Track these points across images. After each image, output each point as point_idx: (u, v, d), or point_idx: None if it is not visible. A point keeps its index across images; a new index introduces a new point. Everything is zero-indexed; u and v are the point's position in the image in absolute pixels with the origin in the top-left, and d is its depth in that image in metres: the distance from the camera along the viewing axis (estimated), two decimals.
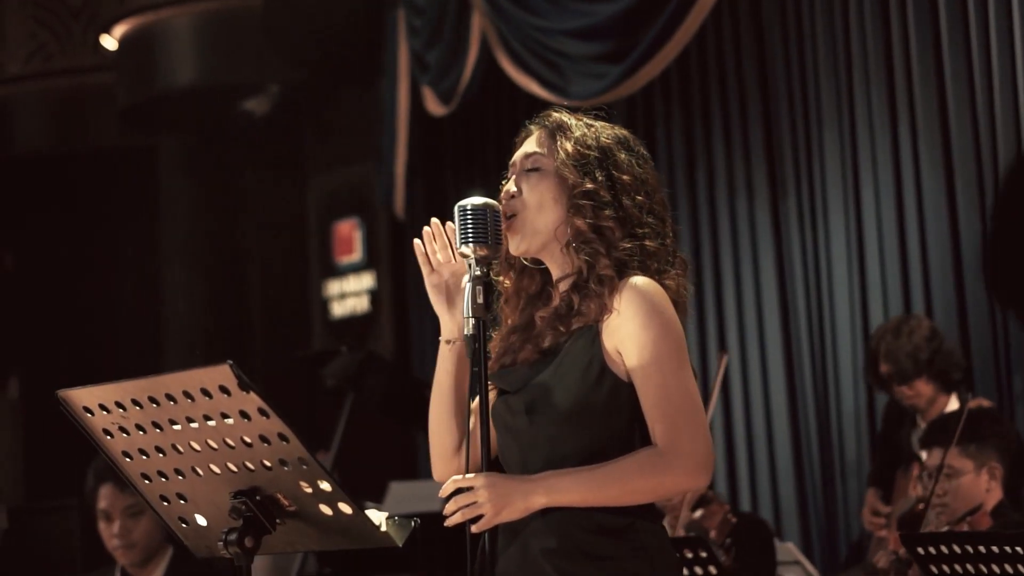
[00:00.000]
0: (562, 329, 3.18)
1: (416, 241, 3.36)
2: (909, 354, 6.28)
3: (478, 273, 3.18)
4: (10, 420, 12.29)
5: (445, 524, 3.10)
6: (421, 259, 3.36)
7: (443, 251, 3.31)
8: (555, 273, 3.29)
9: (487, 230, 3.18)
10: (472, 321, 3.16)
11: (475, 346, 3.15)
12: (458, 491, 3.09)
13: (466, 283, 3.19)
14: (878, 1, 7.18)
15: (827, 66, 7.46)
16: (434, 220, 3.32)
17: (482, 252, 3.18)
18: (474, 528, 3.08)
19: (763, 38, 7.84)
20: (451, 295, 3.33)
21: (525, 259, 3.31)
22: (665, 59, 7.66)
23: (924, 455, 5.15)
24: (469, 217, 3.19)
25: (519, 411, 3.18)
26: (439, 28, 8.77)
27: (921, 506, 5.11)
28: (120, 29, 10.78)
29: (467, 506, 3.07)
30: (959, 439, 4.90)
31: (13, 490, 11.50)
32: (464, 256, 3.20)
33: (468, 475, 3.11)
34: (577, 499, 3.09)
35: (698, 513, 5.74)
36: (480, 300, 3.17)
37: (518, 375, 3.21)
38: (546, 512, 3.11)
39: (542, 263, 3.32)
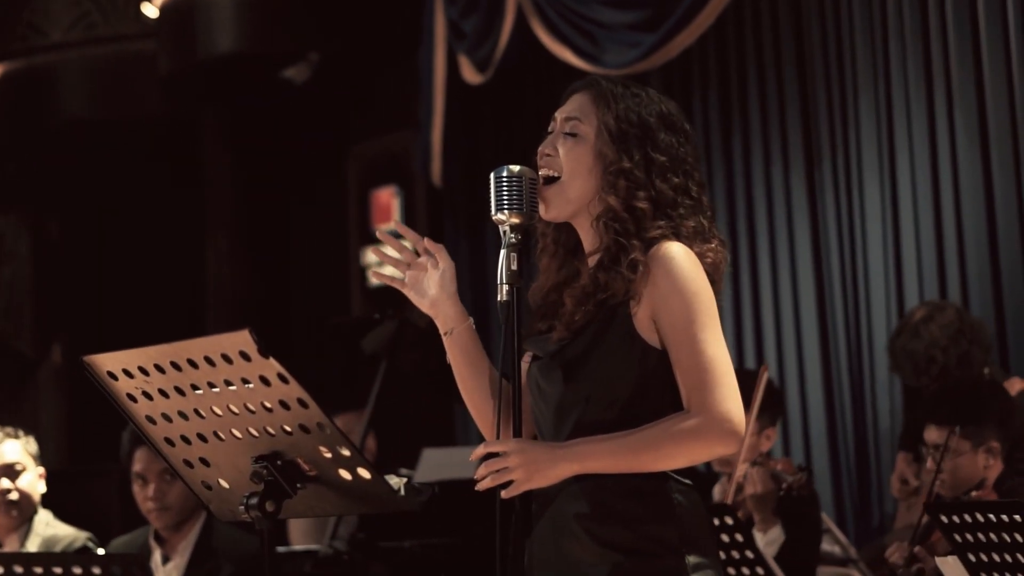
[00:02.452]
0: (591, 307, 3.20)
1: (383, 251, 3.39)
2: (920, 367, 6.17)
3: (513, 240, 3.21)
4: (54, 386, 12.41)
5: (475, 488, 3.13)
6: (392, 266, 3.38)
7: (405, 254, 3.36)
8: (585, 244, 3.32)
9: (522, 197, 3.21)
10: (507, 287, 3.19)
11: (509, 312, 3.18)
12: (489, 456, 3.13)
13: (502, 249, 3.22)
14: None
15: (863, 33, 7.44)
16: (381, 233, 3.38)
17: (516, 219, 3.21)
18: (503, 493, 3.11)
19: (799, 5, 7.82)
20: (423, 291, 3.35)
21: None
22: (700, 27, 7.65)
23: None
24: (504, 184, 3.22)
25: (553, 377, 3.22)
26: None
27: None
28: None
29: (497, 471, 3.10)
30: (960, 418, 4.87)
31: (57, 454, 11.61)
32: (500, 222, 3.23)
33: (500, 440, 3.15)
34: (608, 466, 3.12)
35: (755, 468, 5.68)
36: (515, 267, 3.20)
37: (551, 343, 3.25)
38: (580, 477, 3.14)
39: None
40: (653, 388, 3.16)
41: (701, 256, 3.19)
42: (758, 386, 5.44)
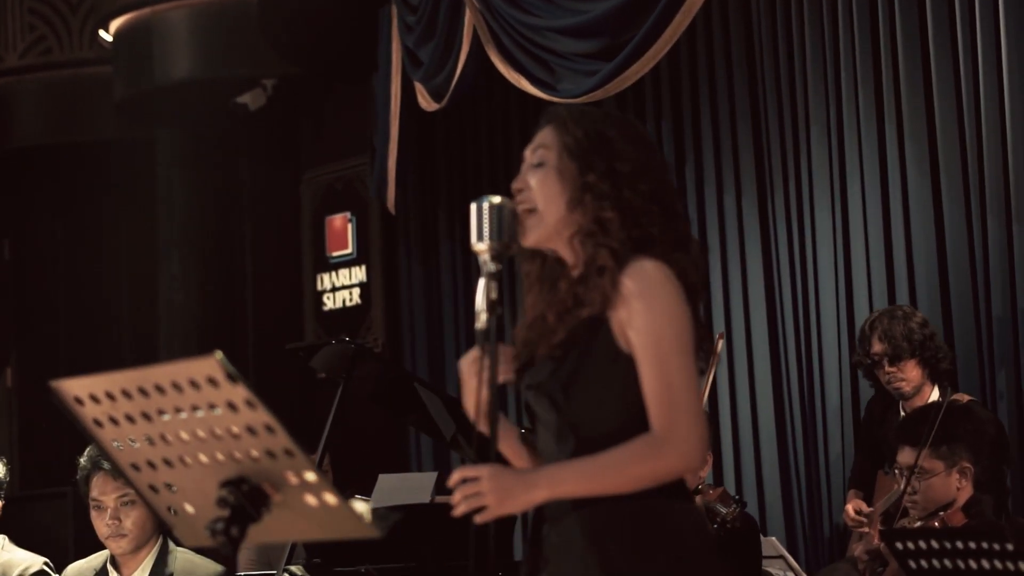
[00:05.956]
0: (572, 323, 3.23)
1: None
2: (904, 335, 6.34)
3: (492, 270, 3.23)
4: (5, 408, 12.34)
5: (451, 514, 3.16)
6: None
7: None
8: (568, 263, 3.34)
9: (501, 227, 3.24)
10: (485, 315, 3.22)
11: (486, 340, 3.20)
12: (465, 481, 3.15)
13: (480, 278, 3.23)
14: (866, 1, 7.25)
15: (815, 63, 7.52)
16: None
17: (495, 249, 3.23)
18: (477, 519, 3.12)
19: (752, 35, 7.90)
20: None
21: (546, 248, 3.35)
22: (655, 56, 7.69)
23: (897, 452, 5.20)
24: (484, 214, 3.25)
25: (546, 404, 3.24)
26: (431, 25, 8.80)
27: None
28: (116, 23, 10.81)
29: (471, 496, 3.13)
30: (932, 440, 4.95)
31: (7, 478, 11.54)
32: (479, 252, 3.24)
33: (474, 466, 3.17)
34: (577, 489, 3.14)
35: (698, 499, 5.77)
36: (494, 295, 3.22)
37: (539, 370, 3.27)
38: (578, 503, 3.17)
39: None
40: (640, 400, 3.17)
41: (676, 266, 3.20)
42: (712, 354, 5.54)
